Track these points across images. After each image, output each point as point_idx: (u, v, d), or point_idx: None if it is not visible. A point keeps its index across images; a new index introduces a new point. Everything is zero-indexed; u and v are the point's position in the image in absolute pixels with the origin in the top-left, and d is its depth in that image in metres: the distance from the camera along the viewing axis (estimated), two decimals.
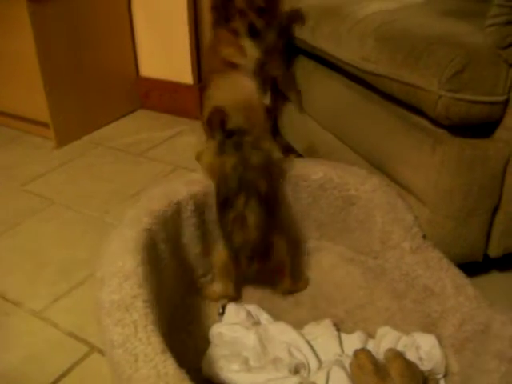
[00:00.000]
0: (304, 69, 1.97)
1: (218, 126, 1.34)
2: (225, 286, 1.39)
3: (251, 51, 1.75)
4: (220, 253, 1.34)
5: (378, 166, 1.57)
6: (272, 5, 1.74)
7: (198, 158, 1.52)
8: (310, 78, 1.93)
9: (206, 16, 2.50)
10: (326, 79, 1.82)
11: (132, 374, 0.90)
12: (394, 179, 1.51)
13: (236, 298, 1.41)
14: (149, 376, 0.88)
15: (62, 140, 2.55)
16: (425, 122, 1.40)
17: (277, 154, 1.45)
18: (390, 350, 1.14)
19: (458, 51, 1.27)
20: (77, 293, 1.61)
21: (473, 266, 1.47)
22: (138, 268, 1.11)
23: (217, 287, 1.40)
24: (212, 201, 1.40)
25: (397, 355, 1.11)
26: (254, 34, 1.71)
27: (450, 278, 1.25)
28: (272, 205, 1.33)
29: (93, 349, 1.40)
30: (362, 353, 1.12)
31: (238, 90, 1.45)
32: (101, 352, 1.38)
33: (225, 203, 1.29)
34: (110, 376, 1.14)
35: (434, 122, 1.35)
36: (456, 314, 1.19)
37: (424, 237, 1.38)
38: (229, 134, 1.34)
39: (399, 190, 1.49)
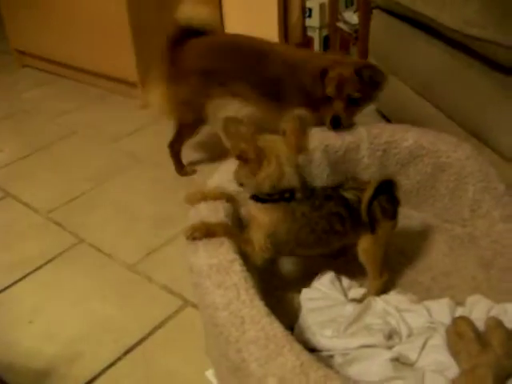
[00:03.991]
0: (399, 34, 1.93)
1: None
2: None
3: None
4: None
5: (474, 133, 1.52)
6: (366, 96, 1.55)
7: None
8: (406, 43, 1.88)
9: None
10: (423, 44, 1.77)
11: (239, 336, 0.90)
12: (492, 147, 1.47)
13: None
14: (258, 338, 0.89)
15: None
16: None
17: None
18: (491, 318, 1.11)
19: None
20: (169, 248, 1.65)
21: None
22: None
23: None
24: None
25: (498, 324, 1.08)
26: (336, 126, 1.52)
27: None
28: None
29: (187, 303, 1.44)
30: (462, 320, 1.10)
31: None
32: (194, 306, 1.41)
33: None
34: (204, 334, 1.17)
35: None
36: None
37: None
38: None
39: (497, 159, 1.45)
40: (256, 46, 1.77)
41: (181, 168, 2.04)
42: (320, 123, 1.53)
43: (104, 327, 1.39)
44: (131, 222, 1.78)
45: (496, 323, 1.09)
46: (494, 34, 1.37)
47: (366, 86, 1.52)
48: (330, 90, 1.53)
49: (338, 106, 1.52)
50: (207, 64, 1.80)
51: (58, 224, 1.80)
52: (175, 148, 2.01)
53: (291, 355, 0.85)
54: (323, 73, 1.54)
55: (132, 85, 2.57)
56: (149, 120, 2.44)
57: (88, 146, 2.29)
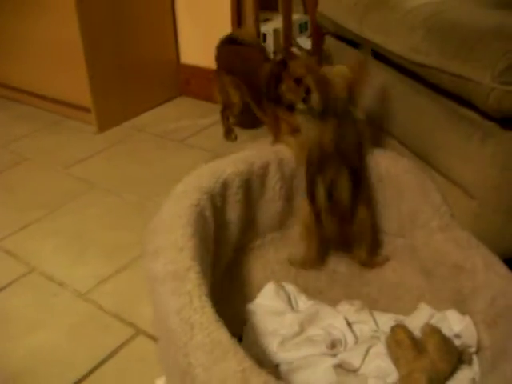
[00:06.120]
0: (349, 59, 1.96)
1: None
2: (308, 248, 1.47)
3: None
4: (305, 211, 1.42)
5: (425, 158, 1.56)
6: None
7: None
8: None
9: (248, 2, 2.50)
10: (372, 70, 1.81)
11: (188, 341, 0.95)
12: (441, 171, 1.51)
13: (317, 262, 1.50)
14: (204, 343, 0.94)
15: (103, 125, 2.60)
16: (474, 115, 1.38)
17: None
18: (427, 325, 1.19)
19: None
20: (121, 276, 1.66)
21: None
22: (190, 241, 1.17)
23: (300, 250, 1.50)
24: (256, 179, 1.49)
25: (434, 330, 1.16)
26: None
27: (480, 255, 1.29)
28: (361, 176, 1.43)
29: (138, 331, 1.44)
30: (399, 328, 1.17)
31: None
32: (146, 335, 1.41)
33: (317, 168, 1.37)
34: (156, 356, 1.16)
35: (484, 114, 1.34)
36: (487, 290, 1.22)
37: (452, 216, 1.41)
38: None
39: (445, 183, 1.48)
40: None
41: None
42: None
43: (53, 358, 1.39)
44: (83, 250, 1.78)
45: (431, 329, 1.16)
46: (438, 60, 1.41)
47: None
48: (300, 71, 1.77)
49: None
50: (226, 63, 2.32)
51: (9, 252, 1.79)
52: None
53: (234, 361, 0.90)
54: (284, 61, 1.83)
55: (86, 110, 2.59)
56: (103, 146, 2.46)
57: (41, 172, 2.29)
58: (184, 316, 0.98)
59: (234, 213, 1.46)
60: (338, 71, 1.47)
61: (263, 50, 2.27)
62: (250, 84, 2.17)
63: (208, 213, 1.33)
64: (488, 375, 1.13)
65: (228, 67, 2.30)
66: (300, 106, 1.75)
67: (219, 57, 2.36)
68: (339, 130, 1.38)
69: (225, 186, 1.41)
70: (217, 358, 0.91)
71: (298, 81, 1.81)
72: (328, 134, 1.37)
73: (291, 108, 1.85)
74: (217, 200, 1.39)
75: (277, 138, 2.03)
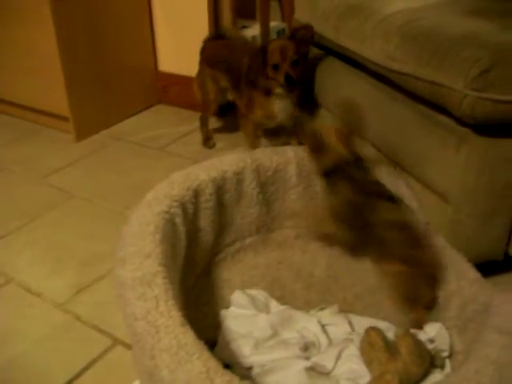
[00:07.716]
0: (327, 66, 1.99)
1: None
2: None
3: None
4: None
5: (401, 164, 1.58)
6: (303, 54, 1.97)
7: None
8: (333, 76, 1.94)
9: (226, 10, 2.52)
10: (349, 77, 1.84)
11: (154, 343, 0.97)
12: (416, 177, 1.53)
13: None
14: (170, 346, 0.95)
15: (81, 134, 2.61)
16: (449, 121, 1.41)
17: None
18: (400, 328, 1.21)
19: (484, 50, 1.29)
20: (99, 286, 1.66)
21: (493, 265, 1.47)
22: (158, 248, 1.17)
23: None
24: (230, 186, 1.48)
25: (406, 334, 1.18)
26: (290, 83, 1.92)
27: (452, 262, 1.30)
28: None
29: (116, 341, 1.44)
30: (372, 331, 1.20)
31: None
32: (124, 345, 1.41)
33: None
34: (131, 366, 1.16)
35: (459, 120, 1.37)
36: (458, 296, 1.24)
37: (427, 224, 1.42)
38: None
39: (420, 188, 1.50)
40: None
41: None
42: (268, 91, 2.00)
43: (30, 370, 1.39)
44: (61, 260, 1.79)
45: (404, 332, 1.19)
46: (413, 67, 1.43)
47: (301, 44, 1.93)
48: (276, 58, 1.92)
49: (286, 67, 1.92)
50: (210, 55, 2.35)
51: None
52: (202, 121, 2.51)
53: (199, 362, 0.92)
54: (263, 48, 1.96)
55: (64, 119, 2.59)
56: (81, 155, 2.47)
57: (18, 181, 2.30)
58: (150, 320, 1.00)
59: (207, 219, 1.45)
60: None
61: (247, 43, 2.36)
62: (232, 73, 2.22)
63: (179, 219, 1.33)
64: (450, 375, 1.16)
65: (211, 59, 2.33)
66: (278, 90, 1.98)
67: (205, 50, 2.39)
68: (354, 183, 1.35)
69: (196, 193, 1.41)
70: (182, 360, 0.92)
71: (276, 67, 1.95)
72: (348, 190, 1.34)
73: (267, 92, 2.03)
74: (188, 207, 1.38)
75: (245, 120, 2.17)
